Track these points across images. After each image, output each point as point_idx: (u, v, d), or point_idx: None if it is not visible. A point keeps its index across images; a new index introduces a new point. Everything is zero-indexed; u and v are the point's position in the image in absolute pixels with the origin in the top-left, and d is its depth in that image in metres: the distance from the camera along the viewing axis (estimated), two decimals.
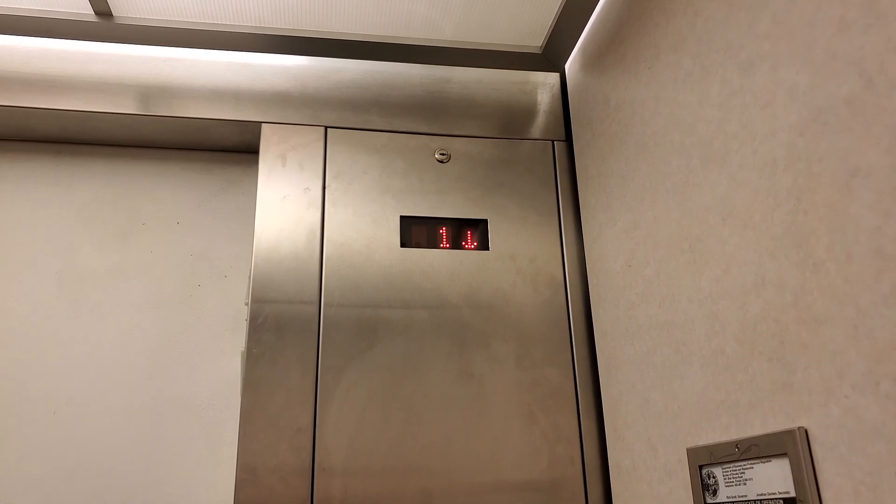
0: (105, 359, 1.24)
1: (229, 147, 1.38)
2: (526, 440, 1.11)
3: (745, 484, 0.76)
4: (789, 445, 0.69)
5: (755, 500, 0.74)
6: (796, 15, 0.70)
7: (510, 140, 1.31)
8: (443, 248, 1.21)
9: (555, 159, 1.31)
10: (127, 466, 1.19)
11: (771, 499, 0.72)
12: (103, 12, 1.20)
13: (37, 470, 1.17)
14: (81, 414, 1.21)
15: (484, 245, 1.22)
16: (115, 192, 1.35)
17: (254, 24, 1.25)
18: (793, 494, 0.68)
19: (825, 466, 0.65)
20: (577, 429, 1.13)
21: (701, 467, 0.85)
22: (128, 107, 1.23)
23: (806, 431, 0.67)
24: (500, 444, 1.10)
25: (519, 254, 1.22)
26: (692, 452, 0.86)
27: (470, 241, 1.22)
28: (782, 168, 0.71)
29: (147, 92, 1.24)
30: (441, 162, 1.27)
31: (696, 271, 0.87)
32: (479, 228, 1.23)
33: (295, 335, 1.10)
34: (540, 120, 1.34)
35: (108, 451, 1.20)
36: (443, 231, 1.22)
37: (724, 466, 0.80)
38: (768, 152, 0.74)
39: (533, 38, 1.30)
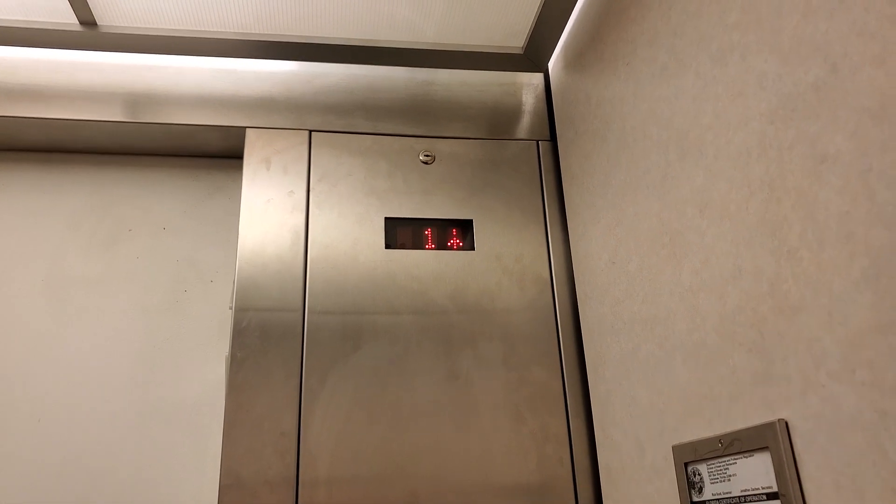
0: (91, 364, 1.24)
1: (215, 153, 1.38)
2: (514, 441, 1.10)
3: (729, 480, 0.75)
4: (770, 438, 0.68)
5: (739, 497, 0.73)
6: (764, 3, 0.70)
7: (495, 140, 1.30)
8: (428, 248, 1.20)
9: (539, 159, 1.30)
10: (112, 472, 1.19)
11: (754, 494, 0.71)
12: (88, 21, 1.21)
13: (22, 476, 1.17)
14: (67, 419, 1.21)
15: (469, 245, 1.21)
16: (102, 199, 1.35)
17: (237, 31, 1.26)
18: (775, 489, 0.67)
19: (806, 459, 0.64)
20: (566, 429, 1.12)
21: (686, 465, 0.83)
22: (114, 114, 1.24)
23: (786, 423, 0.66)
24: (488, 445, 1.09)
25: (505, 253, 1.22)
26: (678, 450, 0.85)
27: (455, 241, 1.22)
28: (755, 157, 0.71)
29: (133, 99, 1.25)
30: (426, 163, 1.26)
31: (676, 264, 0.86)
32: (464, 229, 1.23)
33: (279, 338, 1.10)
34: (525, 120, 1.33)
35: (92, 457, 1.19)
36: (428, 232, 1.21)
37: (709, 463, 0.79)
38: (741, 142, 0.73)
39: (514, 38, 1.30)
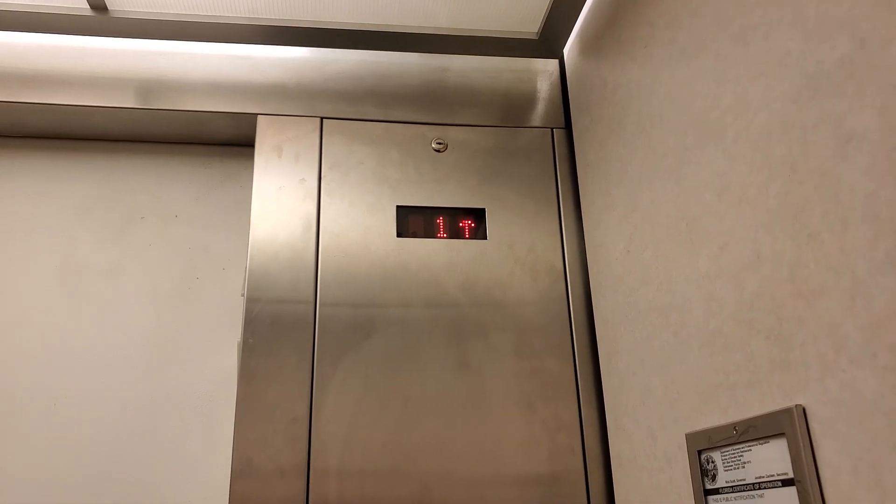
0: (103, 352, 1.24)
1: (226, 140, 1.38)
2: (526, 431, 1.09)
3: (743, 467, 0.74)
4: (787, 424, 0.66)
5: (754, 484, 0.72)
6: None
7: (508, 128, 1.29)
8: (440, 237, 1.19)
9: (554, 147, 1.29)
10: (125, 459, 1.19)
11: (769, 481, 0.69)
12: (98, 6, 1.21)
13: (36, 462, 1.17)
14: (80, 407, 1.21)
15: (482, 234, 1.20)
16: (113, 186, 1.35)
17: (248, 16, 1.25)
18: (791, 475, 0.66)
19: (824, 444, 0.62)
20: (578, 419, 1.11)
21: (700, 452, 0.82)
22: (125, 101, 1.24)
23: (804, 409, 0.65)
24: (500, 435, 1.08)
25: (517, 243, 1.21)
26: (691, 438, 0.84)
27: (467, 230, 1.21)
28: (776, 138, 0.69)
29: (143, 85, 1.24)
30: (438, 151, 1.25)
31: (693, 251, 0.85)
32: (476, 217, 1.22)
33: (291, 326, 1.09)
34: (539, 108, 1.32)
35: (105, 444, 1.19)
36: (440, 220, 1.20)
37: (723, 450, 0.77)
38: (762, 123, 0.72)
39: (529, 24, 1.29)
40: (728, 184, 0.78)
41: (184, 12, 1.24)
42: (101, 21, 1.23)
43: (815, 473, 0.63)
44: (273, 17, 1.26)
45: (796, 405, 0.65)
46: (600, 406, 1.12)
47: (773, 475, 0.68)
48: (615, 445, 1.06)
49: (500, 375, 1.11)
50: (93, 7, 1.21)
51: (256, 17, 1.25)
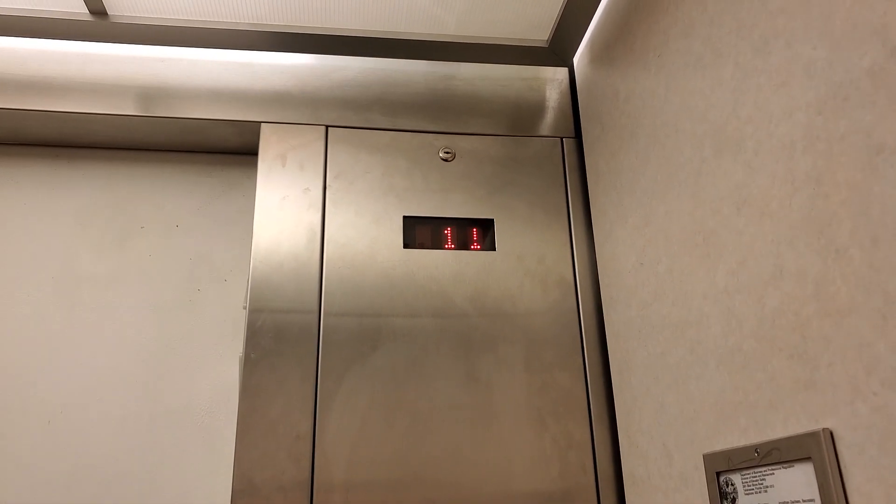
0: (102, 365, 1.22)
1: (229, 149, 1.36)
2: (536, 448, 1.06)
3: (766, 491, 0.71)
4: (813, 449, 0.64)
5: None
6: None
7: (517, 137, 1.27)
8: (447, 248, 1.16)
9: (564, 157, 1.27)
10: (122, 475, 1.16)
11: None
12: (98, 11, 1.19)
13: (31, 479, 1.14)
14: (77, 421, 1.18)
15: (490, 245, 1.18)
16: (114, 195, 1.33)
17: (252, 22, 1.23)
18: (818, 503, 0.63)
19: (853, 471, 0.60)
20: (590, 435, 1.08)
21: (718, 474, 0.79)
22: (125, 108, 1.21)
23: (831, 433, 0.62)
24: (509, 451, 1.05)
25: (527, 254, 1.18)
26: (709, 458, 0.81)
27: (476, 241, 1.18)
28: (800, 150, 0.67)
29: (144, 92, 1.22)
30: (445, 161, 1.23)
31: (711, 265, 0.82)
32: (485, 228, 1.19)
33: (294, 339, 1.07)
34: (548, 117, 1.30)
35: (102, 460, 1.16)
36: (447, 231, 1.18)
37: (743, 473, 0.75)
38: (785, 134, 0.69)
39: (539, 31, 1.27)
40: (748, 196, 0.75)
41: (186, 17, 1.22)
42: (100, 26, 1.21)
43: (843, 501, 0.60)
44: (277, 24, 1.24)
45: (823, 428, 0.63)
46: (612, 423, 1.09)
47: (798, 502, 0.66)
48: (628, 464, 1.03)
49: (510, 390, 1.09)
50: (92, 12, 1.19)
51: (260, 22, 1.23)
